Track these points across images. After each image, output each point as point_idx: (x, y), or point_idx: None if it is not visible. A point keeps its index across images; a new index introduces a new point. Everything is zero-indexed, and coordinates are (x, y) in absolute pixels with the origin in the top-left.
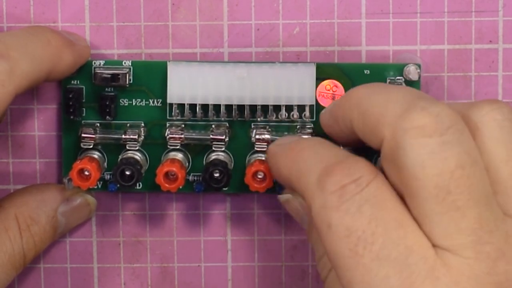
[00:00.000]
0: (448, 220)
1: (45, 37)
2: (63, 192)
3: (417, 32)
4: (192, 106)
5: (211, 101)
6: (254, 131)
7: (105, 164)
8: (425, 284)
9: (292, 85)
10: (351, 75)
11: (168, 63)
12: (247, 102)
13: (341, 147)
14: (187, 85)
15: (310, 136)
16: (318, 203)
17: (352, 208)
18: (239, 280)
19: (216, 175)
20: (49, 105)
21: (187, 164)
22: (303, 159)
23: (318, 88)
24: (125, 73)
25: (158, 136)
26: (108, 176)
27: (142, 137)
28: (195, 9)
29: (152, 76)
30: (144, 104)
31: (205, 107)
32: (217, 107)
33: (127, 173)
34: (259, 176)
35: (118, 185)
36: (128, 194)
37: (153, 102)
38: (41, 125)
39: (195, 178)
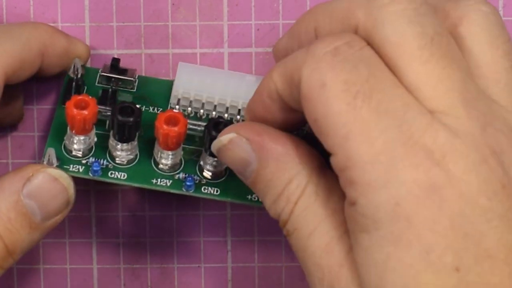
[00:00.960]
0: (435, 80)
1: (32, 24)
2: (24, 173)
3: None
4: (196, 109)
5: (216, 101)
6: None
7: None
8: (425, 136)
9: None
10: None
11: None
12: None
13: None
14: (194, 80)
15: None
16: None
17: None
18: (239, 280)
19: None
20: (48, 106)
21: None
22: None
23: None
24: (132, 80)
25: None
26: (93, 159)
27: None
28: (195, 9)
29: (157, 89)
30: (143, 110)
31: (208, 111)
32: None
33: (128, 110)
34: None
35: (104, 163)
36: (128, 195)
37: (153, 109)
38: (40, 126)
39: (186, 176)
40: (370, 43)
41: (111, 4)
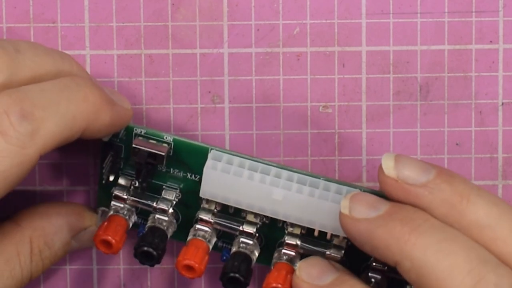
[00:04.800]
0: None
1: (83, 93)
2: (82, 220)
3: (417, 32)
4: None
5: (243, 207)
6: (286, 233)
7: (134, 217)
8: None
9: (329, 216)
10: None
11: (209, 154)
12: (279, 217)
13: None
14: (221, 186)
15: (343, 274)
16: None
17: None
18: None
19: (231, 285)
20: None
21: (215, 236)
22: None
23: None
24: (163, 155)
25: (193, 202)
26: (140, 221)
27: (174, 202)
28: (195, 9)
29: (193, 155)
30: (181, 176)
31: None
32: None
33: (147, 255)
34: None
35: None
36: None
37: (190, 176)
38: None
39: (223, 245)
40: None
41: (110, 4)
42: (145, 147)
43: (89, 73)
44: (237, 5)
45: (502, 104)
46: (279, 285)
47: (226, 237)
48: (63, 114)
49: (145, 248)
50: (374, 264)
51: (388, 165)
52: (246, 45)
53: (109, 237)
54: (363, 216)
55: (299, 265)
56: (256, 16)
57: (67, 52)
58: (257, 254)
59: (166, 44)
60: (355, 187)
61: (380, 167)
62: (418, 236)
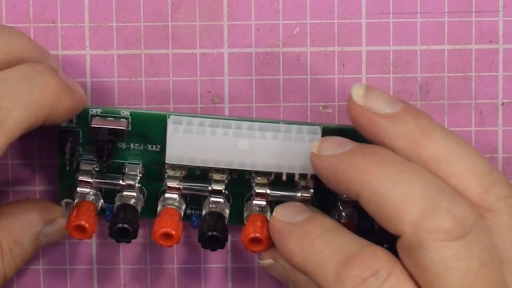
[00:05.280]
0: None
1: (44, 79)
2: (48, 214)
3: (417, 32)
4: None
5: (210, 164)
6: (254, 185)
7: (101, 202)
8: None
9: (296, 156)
10: (359, 139)
11: (168, 120)
12: (247, 167)
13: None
14: (186, 148)
15: (316, 213)
16: None
17: None
18: (239, 281)
19: (211, 245)
20: None
21: (184, 204)
22: (317, 250)
23: None
24: (123, 129)
25: (156, 174)
26: (106, 205)
27: (139, 178)
28: (195, 9)
29: (152, 126)
30: (142, 148)
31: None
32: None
33: (123, 231)
34: (257, 241)
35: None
36: None
37: (151, 147)
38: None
39: (193, 212)
40: (412, 254)
41: (110, 4)
42: (104, 125)
43: (89, 73)
44: (237, 5)
45: (502, 104)
46: (257, 235)
47: (194, 203)
48: (27, 102)
49: (120, 225)
50: (343, 197)
51: (358, 93)
52: (246, 45)
53: (82, 222)
54: (330, 153)
55: (276, 208)
56: (256, 16)
57: (67, 52)
58: (228, 213)
59: (166, 44)
60: (314, 125)
61: (350, 94)
62: (378, 167)
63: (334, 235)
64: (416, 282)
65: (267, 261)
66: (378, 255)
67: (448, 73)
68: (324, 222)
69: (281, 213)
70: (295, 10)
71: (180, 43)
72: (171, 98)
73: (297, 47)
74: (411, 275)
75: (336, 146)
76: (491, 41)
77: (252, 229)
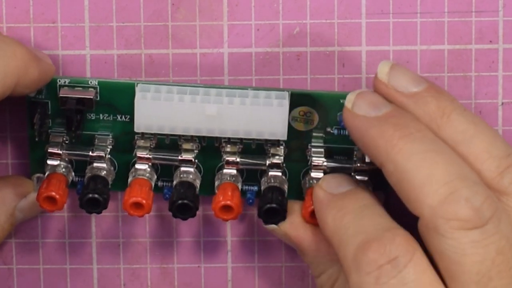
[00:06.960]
0: None
1: (11, 50)
2: (21, 188)
3: (417, 32)
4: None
5: (179, 132)
6: (224, 153)
7: (72, 175)
8: None
9: (264, 121)
10: (326, 104)
11: (136, 88)
12: (216, 134)
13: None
14: (154, 115)
15: (358, 188)
16: (354, 281)
17: None
18: (239, 280)
19: (182, 214)
20: None
21: (155, 175)
22: (345, 226)
23: (291, 113)
24: (91, 98)
25: (127, 146)
26: (77, 178)
27: (109, 149)
28: (195, 9)
29: (120, 95)
30: (111, 119)
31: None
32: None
33: (93, 201)
34: (227, 208)
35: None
36: None
37: (120, 117)
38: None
39: (164, 184)
40: (429, 236)
41: (110, 4)
42: (72, 94)
43: (89, 73)
44: (237, 5)
45: (502, 104)
46: (228, 202)
47: (165, 175)
48: None
49: (90, 195)
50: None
51: (383, 70)
52: (246, 45)
53: (53, 193)
54: (362, 113)
55: (323, 176)
56: (256, 16)
57: (67, 52)
58: (199, 183)
59: (166, 44)
60: (283, 90)
61: (376, 72)
62: (406, 142)
63: (364, 213)
64: (435, 266)
65: (270, 226)
66: (397, 241)
67: (448, 73)
68: (361, 199)
69: (325, 182)
70: (295, 10)
71: (180, 43)
72: None
73: (297, 47)
74: (430, 257)
75: (371, 107)
76: (491, 41)
77: (223, 197)
